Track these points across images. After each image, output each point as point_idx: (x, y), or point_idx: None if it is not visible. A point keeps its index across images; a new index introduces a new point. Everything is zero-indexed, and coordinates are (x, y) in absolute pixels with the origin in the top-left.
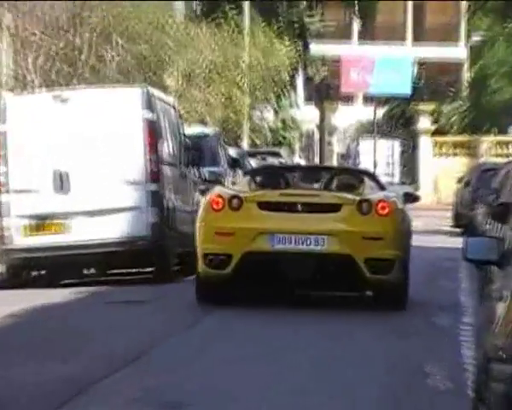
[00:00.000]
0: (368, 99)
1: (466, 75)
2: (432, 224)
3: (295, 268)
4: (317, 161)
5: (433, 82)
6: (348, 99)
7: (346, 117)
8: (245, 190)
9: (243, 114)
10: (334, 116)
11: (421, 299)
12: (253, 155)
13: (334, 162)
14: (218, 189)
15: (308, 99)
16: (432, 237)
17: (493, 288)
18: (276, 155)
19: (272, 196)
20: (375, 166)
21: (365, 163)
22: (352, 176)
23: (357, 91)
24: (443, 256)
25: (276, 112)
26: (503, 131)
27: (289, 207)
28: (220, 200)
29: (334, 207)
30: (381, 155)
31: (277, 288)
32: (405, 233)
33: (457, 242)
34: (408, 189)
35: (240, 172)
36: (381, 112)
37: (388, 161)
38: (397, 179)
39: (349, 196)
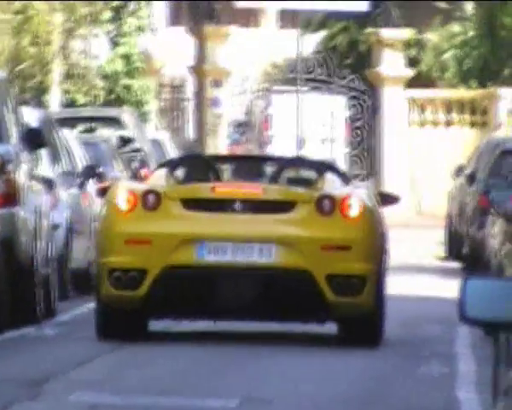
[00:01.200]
0: (287, 19)
1: None
2: (408, 253)
3: (232, 289)
4: (190, 133)
5: None
6: (250, 19)
7: (247, 52)
8: (163, 185)
9: (51, 47)
10: (224, 51)
11: None
12: (69, 121)
13: (223, 137)
14: (125, 183)
15: (175, 19)
16: (408, 276)
17: None
18: (113, 122)
19: (201, 191)
20: (300, 146)
21: (281, 139)
22: (306, 168)
23: (265, 4)
24: (426, 314)
25: (113, 42)
26: None
27: (225, 206)
28: (131, 197)
29: (285, 206)
30: (311, 125)
31: (208, 315)
32: (380, 241)
33: (453, 287)
34: (365, 188)
35: (44, 152)
36: (311, 43)
37: (325, 135)
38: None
39: (305, 191)
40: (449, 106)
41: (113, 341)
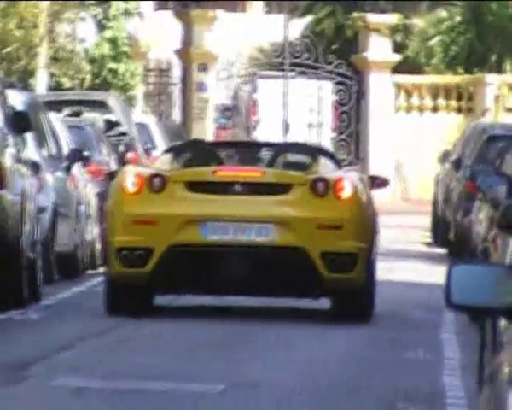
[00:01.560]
0: (273, 4)
1: None
2: (394, 239)
3: (233, 266)
4: (177, 117)
5: None
6: (236, 3)
7: (234, 37)
8: (168, 169)
9: (38, 30)
10: (211, 35)
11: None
12: (55, 105)
13: (210, 121)
14: (132, 167)
15: (161, 3)
16: (394, 262)
17: (502, 360)
18: (99, 106)
19: (204, 174)
20: (286, 130)
21: (268, 124)
22: (301, 153)
23: None
24: (412, 300)
25: (100, 26)
26: None
27: (226, 189)
28: (137, 180)
29: (281, 188)
30: (297, 109)
31: (210, 291)
32: (370, 221)
33: (439, 273)
34: (356, 171)
35: (30, 135)
36: (297, 28)
37: (311, 120)
38: None
39: (300, 174)
40: (435, 92)
41: (118, 316)
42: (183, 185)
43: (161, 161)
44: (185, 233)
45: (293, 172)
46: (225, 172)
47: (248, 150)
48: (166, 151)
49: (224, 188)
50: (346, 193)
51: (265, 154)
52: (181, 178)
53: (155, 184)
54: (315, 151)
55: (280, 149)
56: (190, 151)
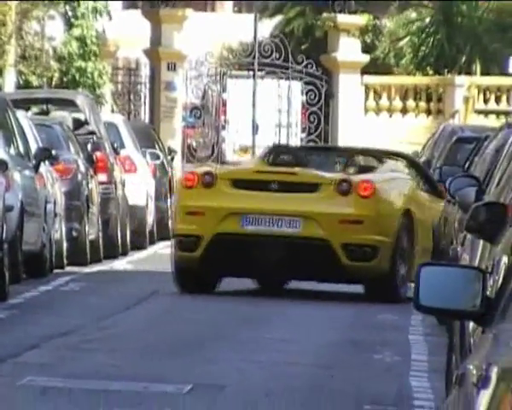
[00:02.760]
0: (243, 3)
1: None
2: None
3: (266, 252)
4: (145, 117)
5: None
6: (206, 3)
7: (202, 37)
8: (218, 167)
9: (6, 28)
10: (180, 35)
11: None
12: (23, 103)
13: (179, 120)
14: (193, 166)
15: (131, 2)
16: None
17: (470, 363)
18: (68, 104)
19: (246, 172)
20: (255, 131)
21: (237, 123)
22: (371, 157)
23: None
24: (380, 301)
25: (69, 25)
26: (493, 68)
27: (264, 186)
28: (192, 176)
29: (311, 187)
30: (266, 109)
31: (248, 274)
32: (392, 218)
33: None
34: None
35: None
36: (267, 27)
37: (280, 120)
38: None
39: (329, 174)
40: (405, 93)
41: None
42: (228, 182)
43: (251, 160)
44: (228, 223)
45: (321, 173)
46: (264, 172)
47: (327, 154)
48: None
49: (262, 185)
50: (367, 193)
51: (340, 158)
52: (227, 175)
53: (206, 180)
54: (381, 155)
55: (353, 153)
56: (276, 154)
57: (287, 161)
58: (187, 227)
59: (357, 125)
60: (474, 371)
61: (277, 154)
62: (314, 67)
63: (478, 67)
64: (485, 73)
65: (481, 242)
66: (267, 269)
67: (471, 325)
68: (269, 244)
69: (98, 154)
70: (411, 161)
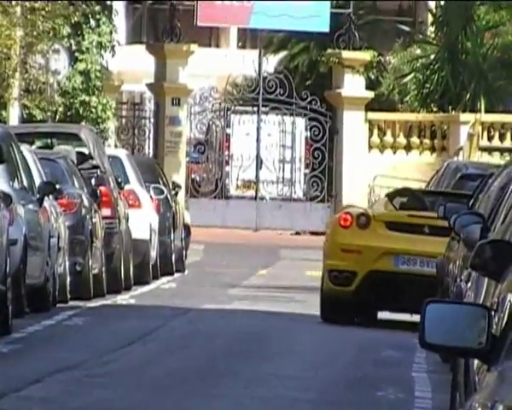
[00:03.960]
0: (248, 39)
1: (433, 4)
2: None
3: (416, 290)
4: (149, 151)
5: (371, 12)
6: (211, 38)
7: (207, 71)
8: (372, 210)
9: (11, 61)
10: (185, 70)
11: None
12: (27, 137)
13: (182, 155)
14: (349, 208)
15: (135, 37)
16: None
17: (475, 401)
18: (72, 138)
19: (400, 216)
20: (259, 166)
21: (240, 158)
22: None
23: (227, 23)
24: (384, 338)
25: (74, 59)
26: (497, 105)
27: (416, 229)
28: (349, 217)
29: None
30: (270, 145)
31: (399, 309)
32: None
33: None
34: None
35: (1, 167)
36: (272, 63)
37: (283, 155)
38: (300, 191)
39: None
40: (409, 129)
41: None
42: (383, 224)
43: (379, 203)
44: (382, 262)
45: None
46: (416, 217)
47: (449, 199)
48: (387, 195)
49: (414, 229)
50: None
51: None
52: (382, 218)
53: (362, 221)
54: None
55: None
56: (402, 197)
57: (414, 205)
58: (343, 263)
59: (361, 162)
60: (480, 409)
61: (403, 197)
62: (318, 103)
63: (482, 105)
64: (489, 110)
65: (486, 279)
66: (415, 307)
67: (476, 362)
68: (419, 283)
69: (102, 188)
70: None
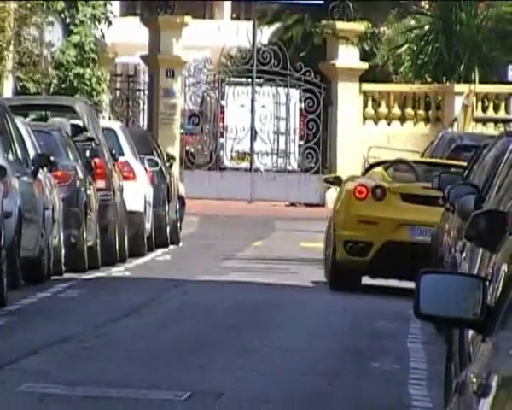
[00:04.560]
0: (242, 10)
1: None
2: None
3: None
4: (143, 123)
5: None
6: (205, 10)
7: (201, 43)
8: (387, 182)
9: (5, 34)
10: (179, 42)
11: None
12: (21, 109)
13: (177, 127)
14: (360, 179)
15: (129, 9)
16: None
17: (470, 371)
18: (66, 111)
19: (415, 188)
20: (254, 138)
21: (235, 130)
22: None
23: None
24: (379, 309)
25: (68, 31)
26: (492, 76)
27: (430, 201)
28: (364, 189)
29: None
30: (264, 117)
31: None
32: None
33: (407, 282)
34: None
35: None
36: (266, 34)
37: (277, 127)
38: (294, 163)
39: None
40: (403, 101)
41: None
42: (399, 196)
43: (373, 172)
44: (398, 233)
45: None
46: (430, 188)
47: (438, 169)
48: (374, 165)
49: (428, 200)
50: None
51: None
52: (398, 190)
53: (378, 193)
54: None
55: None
56: (395, 167)
57: (408, 176)
58: (359, 234)
59: (355, 133)
60: (475, 380)
61: (397, 168)
62: (312, 75)
63: (477, 75)
64: (483, 81)
65: (481, 250)
66: None
67: (470, 333)
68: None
69: (96, 160)
70: None
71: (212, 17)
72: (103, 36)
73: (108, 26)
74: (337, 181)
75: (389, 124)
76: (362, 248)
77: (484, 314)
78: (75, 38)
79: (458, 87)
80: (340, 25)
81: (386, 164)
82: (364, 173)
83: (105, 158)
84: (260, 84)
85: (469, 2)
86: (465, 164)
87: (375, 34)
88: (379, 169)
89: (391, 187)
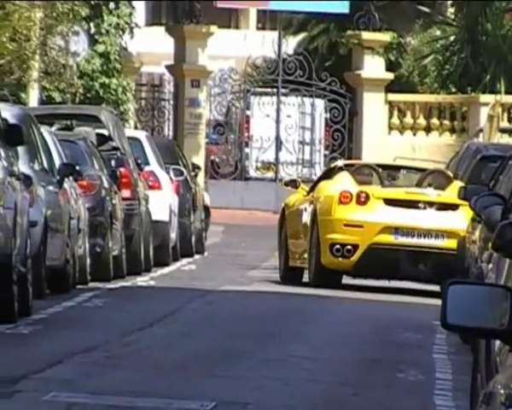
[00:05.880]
0: (268, 20)
1: None
2: None
3: (413, 261)
4: (168, 133)
5: None
6: (230, 20)
7: (226, 53)
8: (370, 187)
9: (31, 43)
10: (204, 51)
11: None
12: (47, 118)
13: (202, 137)
14: (342, 185)
15: (155, 19)
16: (387, 281)
17: (497, 382)
18: (92, 120)
19: (397, 193)
20: (279, 148)
21: (260, 140)
22: (441, 178)
23: (246, 5)
24: (405, 320)
25: (93, 41)
26: None
27: (412, 205)
28: (348, 194)
29: (452, 207)
30: (289, 127)
31: (396, 278)
32: None
33: (432, 293)
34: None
35: (22, 148)
36: (291, 44)
37: (303, 137)
38: (320, 173)
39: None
40: (429, 111)
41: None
42: (382, 201)
43: (341, 176)
44: (382, 236)
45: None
46: (413, 193)
47: (399, 173)
48: (341, 169)
49: (410, 204)
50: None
51: (411, 175)
52: (381, 195)
53: (361, 198)
54: (450, 177)
55: (426, 173)
56: (360, 171)
57: (371, 179)
58: (345, 237)
59: (380, 143)
60: (502, 391)
61: (361, 172)
62: (338, 85)
63: (502, 86)
64: (509, 91)
65: (507, 260)
66: (412, 275)
67: (497, 343)
68: (415, 254)
69: (122, 170)
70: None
71: (237, 27)
72: (126, 46)
73: (132, 37)
74: (293, 183)
75: (414, 134)
76: (348, 251)
77: (511, 325)
78: (100, 48)
79: (484, 98)
80: (366, 35)
81: (353, 167)
82: (325, 176)
83: (130, 167)
84: (285, 94)
85: (495, 12)
86: (425, 167)
87: (400, 44)
88: (345, 173)
89: (374, 192)
